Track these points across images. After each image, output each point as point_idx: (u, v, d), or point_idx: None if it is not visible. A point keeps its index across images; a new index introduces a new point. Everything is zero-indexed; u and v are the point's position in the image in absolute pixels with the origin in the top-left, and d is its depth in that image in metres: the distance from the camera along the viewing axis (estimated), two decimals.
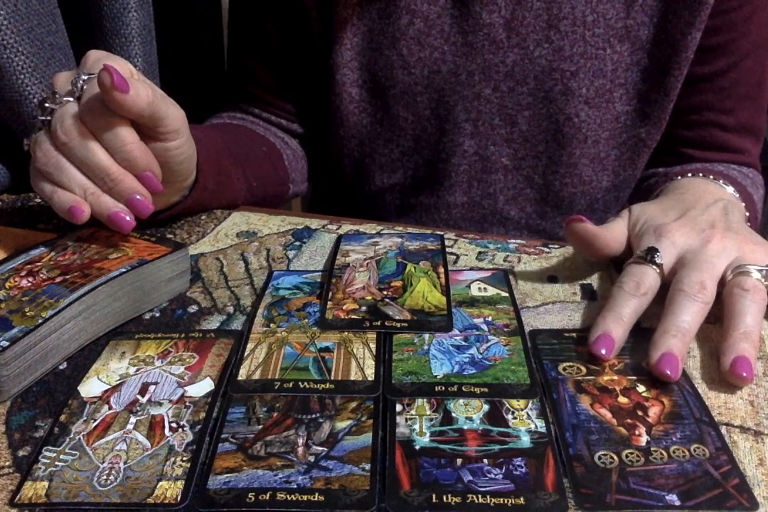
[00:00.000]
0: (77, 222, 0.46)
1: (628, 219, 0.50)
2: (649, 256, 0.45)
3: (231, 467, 0.34)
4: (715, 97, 0.67)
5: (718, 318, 0.45)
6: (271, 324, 0.44)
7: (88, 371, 0.41)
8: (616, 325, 0.41)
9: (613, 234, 0.49)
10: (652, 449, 0.34)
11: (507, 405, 0.37)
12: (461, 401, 0.37)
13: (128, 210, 0.47)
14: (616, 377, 0.40)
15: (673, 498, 0.32)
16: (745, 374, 0.38)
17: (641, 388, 0.39)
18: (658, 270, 0.44)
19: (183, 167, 0.52)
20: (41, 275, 0.44)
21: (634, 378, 0.39)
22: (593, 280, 0.50)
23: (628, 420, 0.36)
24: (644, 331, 0.44)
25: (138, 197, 0.47)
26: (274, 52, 0.71)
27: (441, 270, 0.48)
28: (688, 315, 0.41)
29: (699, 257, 0.44)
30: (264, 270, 0.52)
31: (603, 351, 0.40)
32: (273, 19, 0.69)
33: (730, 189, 0.58)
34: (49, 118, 0.46)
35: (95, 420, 0.37)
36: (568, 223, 0.48)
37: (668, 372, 0.38)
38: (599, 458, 0.34)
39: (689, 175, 0.61)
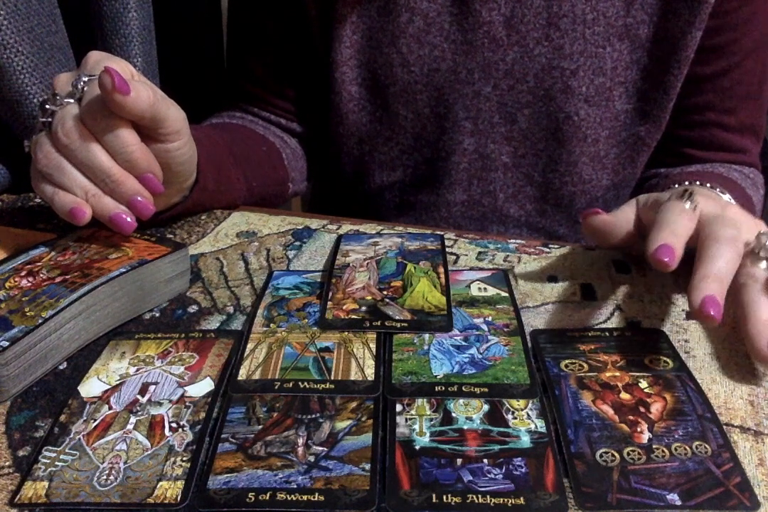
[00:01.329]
0: (78, 223, 0.46)
1: (636, 205, 0.49)
2: (686, 195, 0.44)
3: (231, 467, 0.34)
4: (717, 97, 0.67)
5: None
6: (271, 324, 0.44)
7: (88, 371, 0.41)
8: (673, 238, 0.40)
9: (626, 216, 0.48)
10: (653, 446, 0.34)
11: (507, 405, 0.37)
12: (461, 401, 0.37)
13: (129, 211, 0.47)
14: (618, 373, 0.39)
15: (674, 498, 0.32)
16: None
17: (643, 384, 0.39)
18: (694, 210, 0.43)
19: (184, 168, 0.52)
20: (41, 275, 0.44)
21: (637, 374, 0.39)
22: (593, 280, 0.50)
23: (630, 417, 0.36)
24: (644, 330, 0.44)
25: (139, 198, 0.47)
26: (273, 50, 0.71)
27: (441, 270, 0.48)
28: (724, 261, 0.40)
29: (723, 218, 0.43)
30: (264, 270, 0.52)
31: (666, 259, 0.39)
32: (272, 17, 0.69)
33: (727, 196, 0.58)
34: (49, 119, 0.46)
35: (95, 420, 0.37)
36: (585, 217, 0.48)
37: (712, 313, 0.37)
38: (600, 456, 0.34)
39: (686, 183, 0.61)
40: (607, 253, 0.53)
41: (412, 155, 0.72)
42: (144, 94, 0.44)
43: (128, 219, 0.47)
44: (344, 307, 0.45)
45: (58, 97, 0.46)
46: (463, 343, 0.42)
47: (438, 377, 0.39)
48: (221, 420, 0.36)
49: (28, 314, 0.40)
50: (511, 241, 0.55)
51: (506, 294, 0.47)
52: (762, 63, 0.66)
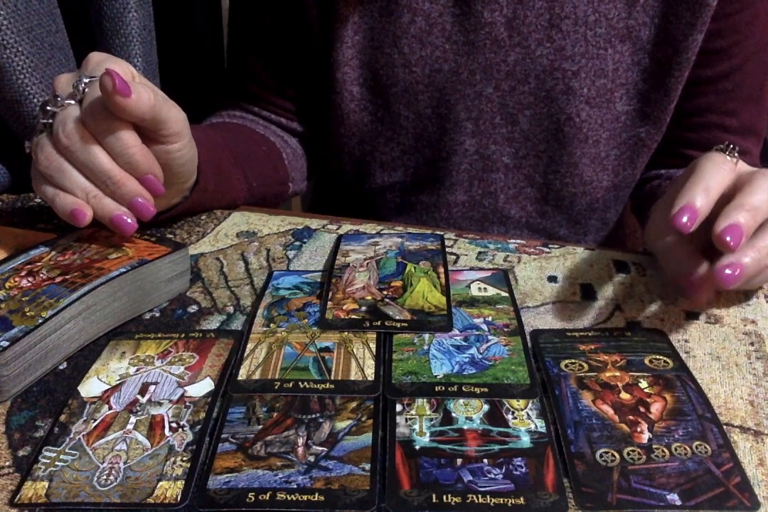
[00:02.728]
0: (79, 225, 0.46)
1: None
2: (728, 149, 0.44)
3: (231, 467, 0.34)
4: (718, 99, 0.67)
5: (718, 319, 0.45)
6: (271, 324, 0.44)
7: (88, 371, 0.41)
8: (702, 196, 0.40)
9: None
10: (653, 446, 0.34)
11: (507, 405, 0.37)
12: (461, 401, 0.37)
13: (130, 212, 0.47)
14: (618, 373, 0.39)
15: (674, 498, 0.32)
16: None
17: (643, 384, 0.39)
18: (735, 162, 0.43)
19: (184, 169, 0.52)
20: (41, 275, 0.44)
21: (637, 374, 0.39)
22: (593, 280, 0.50)
23: (630, 417, 0.36)
24: (644, 330, 0.44)
25: (140, 200, 0.47)
26: (274, 50, 0.71)
27: (441, 270, 0.48)
28: (765, 194, 0.40)
29: (765, 171, 0.43)
30: (264, 270, 0.52)
31: (684, 220, 0.39)
32: (273, 16, 0.69)
33: None
34: (50, 121, 0.46)
35: (95, 420, 0.37)
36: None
37: (728, 239, 0.37)
38: (600, 456, 0.34)
39: None
40: (607, 253, 0.53)
41: (413, 156, 0.72)
42: (145, 96, 0.44)
43: (129, 220, 0.47)
44: (344, 307, 0.45)
45: (58, 99, 0.46)
46: (463, 343, 0.42)
47: (438, 377, 0.39)
48: (221, 420, 0.36)
49: (28, 314, 0.40)
50: (511, 241, 0.55)
51: (506, 294, 0.47)
52: (763, 65, 0.66)
